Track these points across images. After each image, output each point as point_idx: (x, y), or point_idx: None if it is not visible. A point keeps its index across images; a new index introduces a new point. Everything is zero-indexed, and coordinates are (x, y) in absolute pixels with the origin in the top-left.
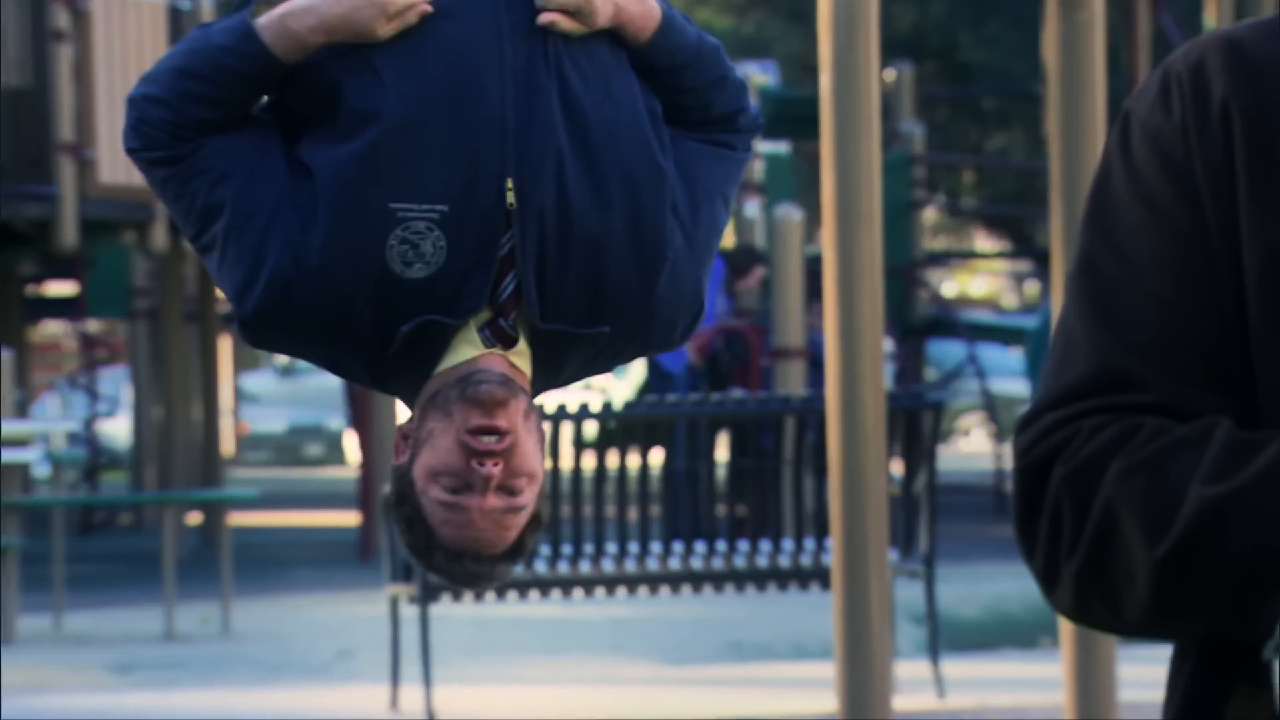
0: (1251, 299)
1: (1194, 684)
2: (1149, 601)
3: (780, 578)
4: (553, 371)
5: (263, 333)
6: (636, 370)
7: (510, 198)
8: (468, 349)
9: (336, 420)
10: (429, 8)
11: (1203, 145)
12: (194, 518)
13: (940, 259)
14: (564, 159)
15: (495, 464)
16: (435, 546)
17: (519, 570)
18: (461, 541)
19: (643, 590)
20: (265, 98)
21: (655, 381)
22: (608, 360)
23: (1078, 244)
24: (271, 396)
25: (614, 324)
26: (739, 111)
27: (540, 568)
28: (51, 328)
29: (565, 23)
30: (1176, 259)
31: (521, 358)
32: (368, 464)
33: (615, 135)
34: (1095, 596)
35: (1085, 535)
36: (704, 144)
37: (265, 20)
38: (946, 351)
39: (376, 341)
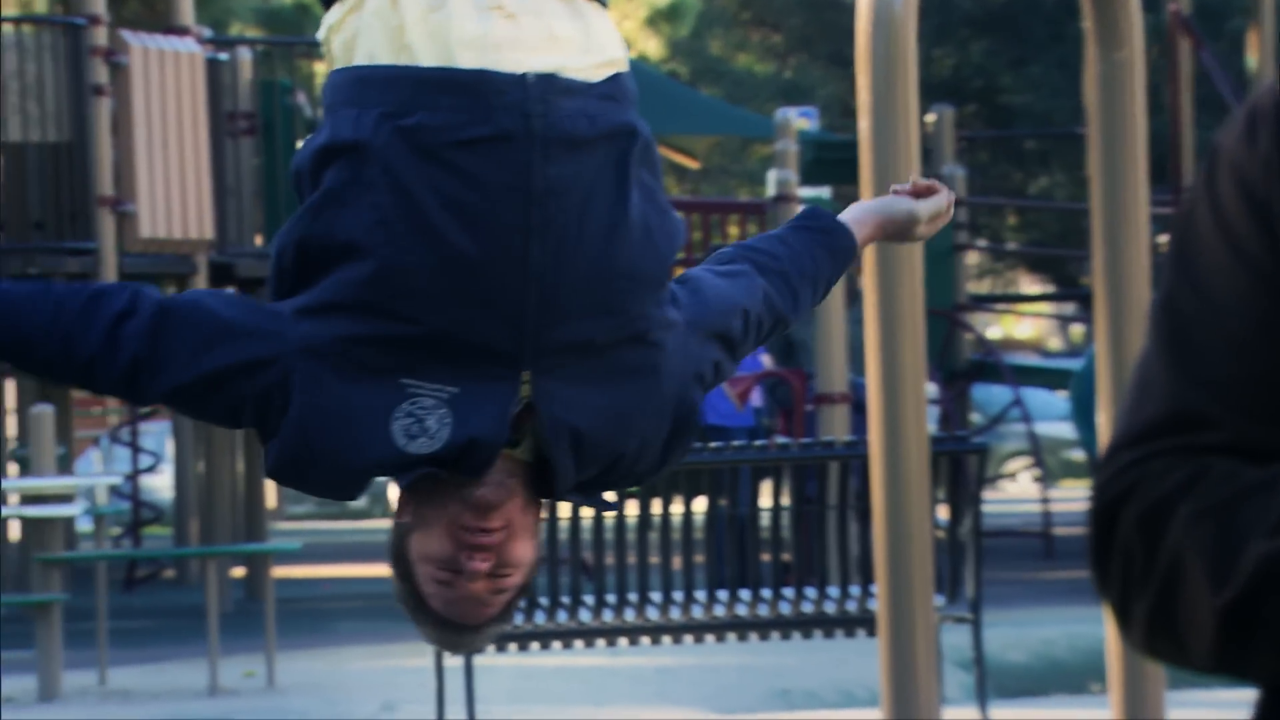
0: None
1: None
2: (1213, 647)
3: (826, 624)
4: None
5: (281, 481)
6: None
7: (525, 390)
8: None
9: None
10: None
11: None
12: (237, 571)
13: (984, 302)
14: (580, 357)
15: (485, 560)
16: (424, 611)
17: (564, 619)
18: (447, 613)
19: (688, 638)
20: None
21: (711, 434)
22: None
23: (1162, 280)
24: None
25: (615, 482)
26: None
27: (585, 617)
28: None
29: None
30: (1256, 298)
31: (524, 452)
32: None
33: (631, 328)
34: (1165, 638)
35: (1154, 578)
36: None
37: None
38: (991, 395)
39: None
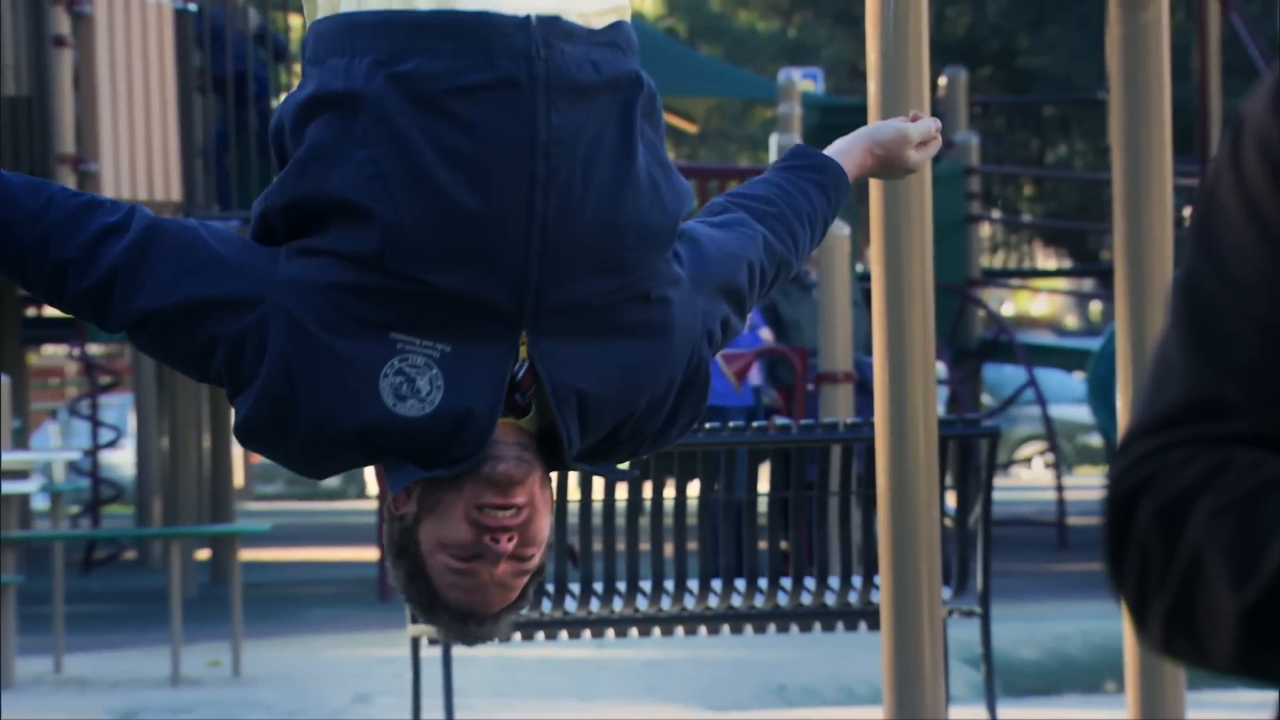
0: None
1: None
2: (1234, 648)
3: (826, 617)
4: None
5: (252, 444)
6: None
7: (523, 352)
8: None
9: None
10: None
11: None
12: (202, 554)
13: (997, 277)
14: (580, 316)
15: (510, 539)
16: (439, 606)
17: (548, 608)
18: (467, 604)
19: (679, 630)
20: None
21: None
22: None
23: (1184, 257)
24: None
25: (623, 448)
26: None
27: (570, 606)
28: (51, 352)
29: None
30: None
31: (529, 423)
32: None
33: (641, 287)
34: (1183, 638)
35: (1172, 576)
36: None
37: None
38: (1004, 376)
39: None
